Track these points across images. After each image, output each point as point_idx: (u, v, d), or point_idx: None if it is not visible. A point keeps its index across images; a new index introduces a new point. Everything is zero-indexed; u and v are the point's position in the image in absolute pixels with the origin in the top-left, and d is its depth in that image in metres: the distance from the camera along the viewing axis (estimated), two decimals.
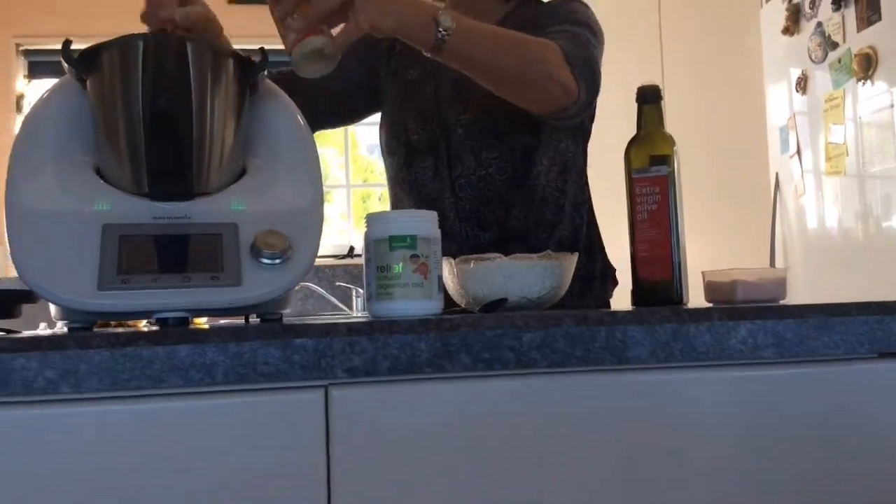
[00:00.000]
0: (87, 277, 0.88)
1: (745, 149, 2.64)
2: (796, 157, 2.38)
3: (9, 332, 1.06)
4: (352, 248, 4.21)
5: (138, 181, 0.94)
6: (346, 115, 1.55)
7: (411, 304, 0.97)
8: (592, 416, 0.72)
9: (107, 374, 0.63)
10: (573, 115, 1.29)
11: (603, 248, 1.51)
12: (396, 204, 1.49)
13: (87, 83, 0.97)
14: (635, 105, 1.11)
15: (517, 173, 1.39)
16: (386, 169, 1.53)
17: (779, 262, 2.45)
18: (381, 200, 4.49)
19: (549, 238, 1.41)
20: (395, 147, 1.46)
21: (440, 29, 1.09)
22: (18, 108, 3.96)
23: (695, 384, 0.73)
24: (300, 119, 1.08)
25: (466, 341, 0.69)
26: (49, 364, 0.62)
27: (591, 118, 1.49)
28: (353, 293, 3.50)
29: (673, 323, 0.71)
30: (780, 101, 2.47)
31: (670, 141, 1.08)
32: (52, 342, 0.62)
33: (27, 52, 3.98)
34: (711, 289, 1.00)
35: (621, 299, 1.53)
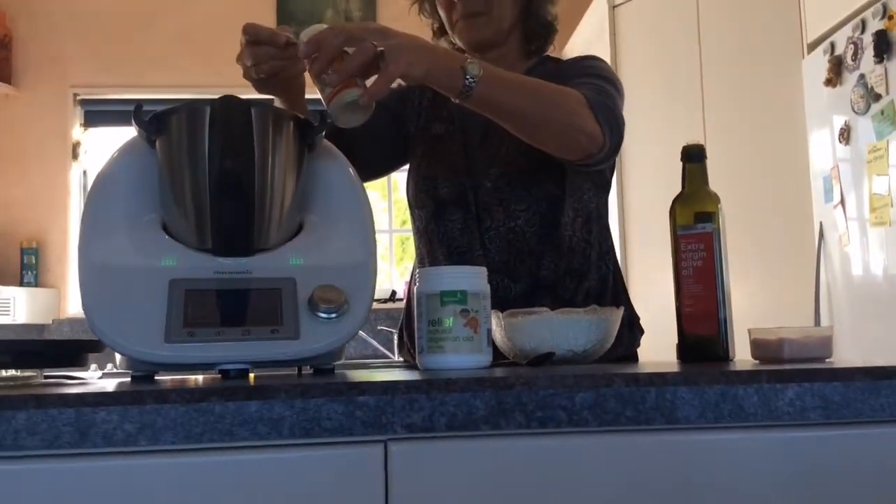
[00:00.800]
0: (155, 330, 0.92)
1: (789, 199, 2.64)
2: (840, 207, 2.38)
3: (71, 377, 1.11)
4: (393, 293, 4.24)
5: (202, 237, 0.99)
6: (380, 168, 1.58)
7: (461, 357, 1.01)
8: (643, 474, 0.73)
9: (182, 429, 0.66)
10: (599, 161, 1.31)
11: (628, 297, 1.52)
12: (425, 256, 1.50)
13: (157, 144, 1.02)
14: (678, 161, 1.14)
15: (545, 224, 1.42)
16: (412, 221, 1.55)
17: (823, 312, 2.43)
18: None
19: (577, 288, 1.42)
20: (424, 200, 1.49)
21: (467, 77, 1.13)
22: (75, 156, 4.09)
23: (743, 445, 0.74)
24: (354, 176, 1.12)
25: (521, 400, 0.71)
26: (128, 418, 0.66)
27: (612, 170, 1.51)
28: (395, 337, 3.53)
29: (721, 384, 0.73)
30: (823, 151, 2.48)
31: (715, 198, 1.11)
32: (132, 397, 0.65)
33: (83, 102, 4.12)
34: (758, 346, 1.01)
35: (649, 348, 1.54)
